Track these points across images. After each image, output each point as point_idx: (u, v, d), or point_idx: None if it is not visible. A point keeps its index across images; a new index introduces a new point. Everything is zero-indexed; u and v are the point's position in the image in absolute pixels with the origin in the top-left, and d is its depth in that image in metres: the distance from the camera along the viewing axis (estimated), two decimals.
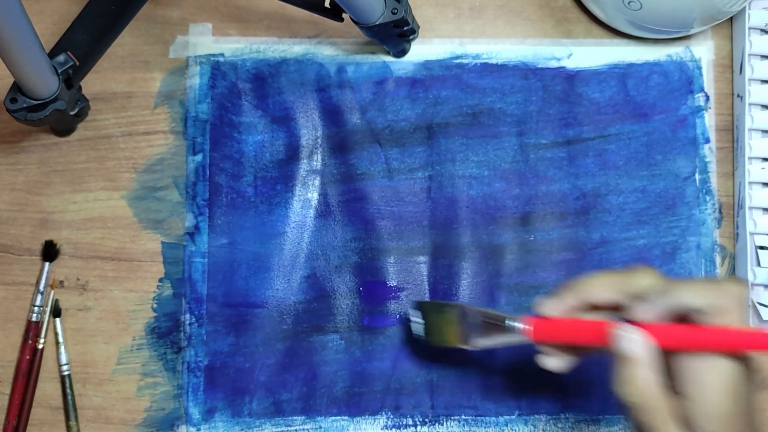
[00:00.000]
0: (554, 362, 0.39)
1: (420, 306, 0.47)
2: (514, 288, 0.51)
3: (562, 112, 0.52)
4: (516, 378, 0.50)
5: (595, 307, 0.37)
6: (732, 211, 0.52)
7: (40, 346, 0.49)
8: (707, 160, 0.52)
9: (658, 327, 0.34)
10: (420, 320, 0.46)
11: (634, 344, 0.34)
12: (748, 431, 0.34)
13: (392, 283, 0.51)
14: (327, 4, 0.47)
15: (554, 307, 0.38)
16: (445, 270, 0.51)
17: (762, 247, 0.50)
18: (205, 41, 0.52)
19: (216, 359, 0.50)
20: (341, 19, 0.47)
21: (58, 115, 0.46)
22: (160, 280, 0.51)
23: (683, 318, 0.34)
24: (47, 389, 0.50)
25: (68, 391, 0.49)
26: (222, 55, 0.52)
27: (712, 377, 0.33)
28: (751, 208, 0.51)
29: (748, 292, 0.32)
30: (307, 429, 0.50)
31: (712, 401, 0.33)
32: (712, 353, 0.33)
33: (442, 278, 0.51)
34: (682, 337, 0.34)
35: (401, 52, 0.52)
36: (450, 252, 0.51)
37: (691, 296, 0.34)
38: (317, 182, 0.51)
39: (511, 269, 0.51)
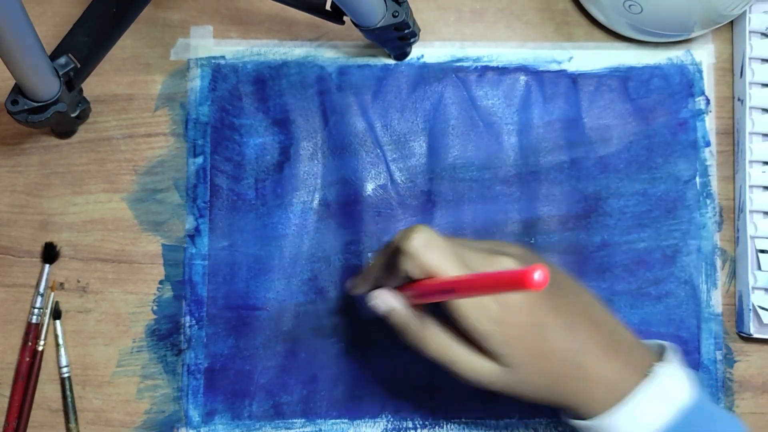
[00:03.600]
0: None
1: None
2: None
3: (563, 115, 0.52)
4: None
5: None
6: (732, 215, 0.52)
7: (40, 348, 0.49)
8: (708, 163, 0.52)
9: (410, 285, 0.39)
10: None
11: (383, 304, 0.40)
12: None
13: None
14: (328, 6, 0.47)
15: (363, 288, 0.43)
16: None
17: (762, 251, 0.50)
18: (206, 44, 0.52)
19: (216, 362, 0.50)
20: (342, 22, 0.47)
21: (59, 117, 0.46)
22: (161, 283, 0.51)
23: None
24: (47, 391, 0.50)
25: (68, 393, 0.49)
26: (223, 57, 0.52)
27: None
28: (751, 211, 0.51)
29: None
30: None
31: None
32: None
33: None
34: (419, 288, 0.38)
35: (402, 55, 0.52)
36: None
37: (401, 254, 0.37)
38: (318, 185, 0.51)
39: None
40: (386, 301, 0.40)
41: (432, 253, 0.37)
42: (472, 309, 0.37)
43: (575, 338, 0.39)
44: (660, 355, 0.41)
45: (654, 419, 0.37)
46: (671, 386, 0.38)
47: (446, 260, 0.37)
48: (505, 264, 0.38)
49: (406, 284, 0.39)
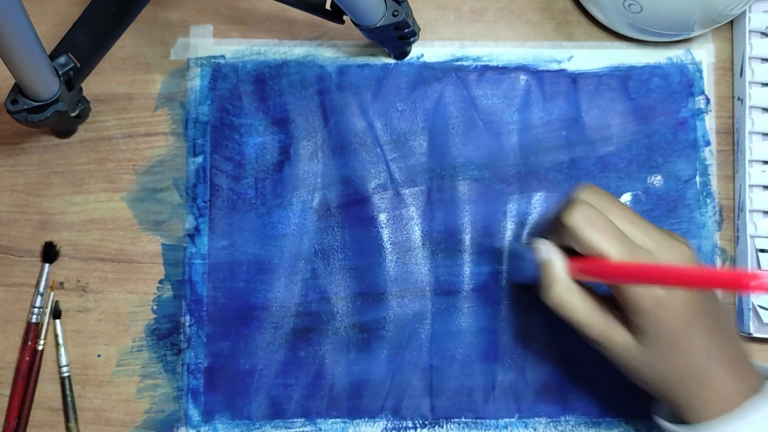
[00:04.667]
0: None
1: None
2: (515, 287, 0.51)
3: (563, 114, 0.52)
4: (516, 380, 0.50)
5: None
6: (732, 214, 0.52)
7: (40, 348, 0.49)
8: (708, 162, 0.52)
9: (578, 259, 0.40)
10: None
11: (546, 252, 0.41)
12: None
13: (393, 285, 0.51)
14: (328, 6, 0.47)
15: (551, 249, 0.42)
16: (446, 272, 0.51)
17: (762, 250, 0.50)
18: (206, 43, 0.52)
19: (216, 361, 0.50)
20: (342, 22, 0.47)
21: (59, 117, 0.46)
22: (160, 282, 0.51)
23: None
24: (47, 391, 0.50)
25: (68, 392, 0.49)
26: (223, 57, 0.52)
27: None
28: (751, 211, 0.50)
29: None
30: (307, 431, 0.50)
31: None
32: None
33: (443, 280, 0.51)
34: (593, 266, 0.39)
35: (402, 55, 0.52)
36: (451, 254, 0.51)
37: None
38: (318, 184, 0.51)
39: (512, 272, 0.51)
40: (550, 251, 0.41)
41: (593, 231, 0.38)
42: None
43: (713, 344, 0.40)
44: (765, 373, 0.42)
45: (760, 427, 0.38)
46: None
47: (609, 240, 0.37)
48: (685, 252, 0.39)
49: (574, 257, 0.40)
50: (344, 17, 0.47)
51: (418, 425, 0.50)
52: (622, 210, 0.40)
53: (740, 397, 0.39)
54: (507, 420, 0.50)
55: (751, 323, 0.49)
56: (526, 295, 0.51)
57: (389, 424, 0.50)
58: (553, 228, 0.41)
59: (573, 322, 0.41)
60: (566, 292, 0.40)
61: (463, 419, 0.50)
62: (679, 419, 0.42)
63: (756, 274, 0.29)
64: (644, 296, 0.38)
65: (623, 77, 0.52)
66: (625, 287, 0.38)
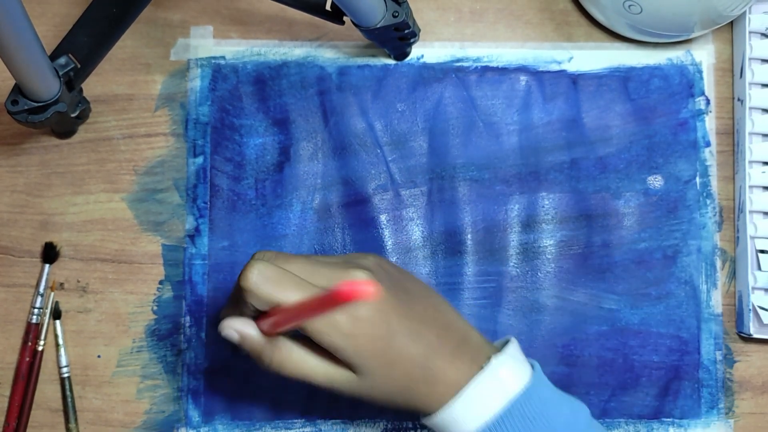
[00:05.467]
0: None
1: None
2: (515, 290, 0.51)
3: (563, 115, 0.52)
4: None
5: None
6: (732, 215, 0.52)
7: (40, 348, 0.49)
8: (708, 163, 0.52)
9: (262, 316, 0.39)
10: None
11: (233, 331, 0.39)
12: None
13: None
14: (328, 6, 0.47)
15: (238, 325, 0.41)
16: (447, 272, 0.51)
17: (762, 251, 0.50)
18: (206, 44, 0.52)
19: (216, 362, 0.50)
20: (342, 22, 0.47)
21: (59, 117, 0.46)
22: (161, 283, 0.51)
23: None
24: (47, 391, 0.50)
25: (68, 393, 0.49)
26: (223, 57, 0.52)
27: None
28: (751, 211, 0.51)
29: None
30: None
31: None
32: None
33: (443, 281, 0.51)
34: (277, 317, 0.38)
35: (402, 55, 0.52)
36: (451, 254, 0.51)
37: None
38: (318, 185, 0.51)
39: (512, 272, 0.51)
40: (237, 328, 0.39)
41: (269, 285, 0.37)
42: (323, 325, 0.37)
43: (422, 343, 0.40)
44: (501, 348, 0.42)
45: (486, 408, 0.39)
46: (504, 375, 0.40)
47: (285, 289, 0.37)
48: (357, 276, 0.39)
49: (260, 315, 0.39)
50: (344, 18, 0.47)
51: (418, 426, 0.50)
52: (296, 259, 0.39)
53: (467, 376, 0.39)
54: None
55: (751, 324, 0.49)
56: (527, 294, 0.51)
57: (389, 425, 0.50)
58: (236, 299, 0.39)
59: (297, 377, 0.40)
60: (274, 356, 0.39)
61: None
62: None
63: (348, 284, 0.27)
64: (331, 334, 0.37)
65: (623, 78, 0.53)
66: (317, 332, 0.37)
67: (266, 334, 0.39)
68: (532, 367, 0.41)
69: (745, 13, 0.51)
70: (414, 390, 0.40)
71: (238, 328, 0.39)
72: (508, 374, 0.40)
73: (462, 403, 0.39)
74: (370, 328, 0.38)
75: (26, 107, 0.44)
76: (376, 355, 0.39)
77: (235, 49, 0.52)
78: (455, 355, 0.40)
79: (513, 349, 0.41)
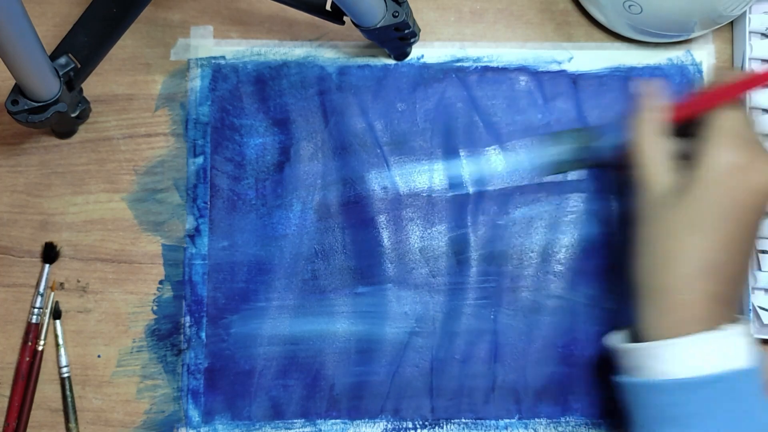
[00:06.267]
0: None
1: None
2: (515, 290, 0.51)
3: (563, 115, 0.52)
4: (516, 381, 0.50)
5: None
6: None
7: (40, 348, 0.49)
8: None
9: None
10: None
11: (646, 87, 0.43)
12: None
13: (393, 285, 0.51)
14: (328, 6, 0.47)
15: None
16: (447, 272, 0.51)
17: (763, 251, 0.50)
18: (206, 44, 0.52)
19: (216, 362, 0.50)
20: (342, 22, 0.47)
21: (59, 117, 0.46)
22: (161, 283, 0.51)
23: None
24: (47, 391, 0.50)
25: (68, 393, 0.49)
26: (223, 57, 0.52)
27: (722, 121, 0.40)
28: None
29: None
30: None
31: (718, 141, 0.40)
32: (722, 108, 0.40)
33: (443, 281, 0.51)
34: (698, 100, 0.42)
35: (402, 56, 0.52)
36: (451, 254, 0.51)
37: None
38: (318, 185, 0.51)
39: (513, 272, 0.51)
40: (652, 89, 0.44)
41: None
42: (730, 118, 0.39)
43: (733, 256, 0.38)
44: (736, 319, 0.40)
45: (708, 363, 0.37)
46: (743, 345, 0.38)
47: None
48: None
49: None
50: (344, 18, 0.47)
51: (418, 426, 0.50)
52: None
53: (707, 325, 0.38)
54: (507, 421, 0.50)
55: (752, 324, 0.49)
56: (527, 295, 0.51)
57: (389, 425, 0.50)
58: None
59: (637, 142, 0.42)
60: (653, 122, 0.42)
61: (464, 420, 0.50)
62: (632, 335, 0.41)
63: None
64: (723, 127, 0.39)
65: (623, 78, 0.52)
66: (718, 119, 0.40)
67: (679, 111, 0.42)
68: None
69: (745, 13, 0.51)
70: (668, 276, 0.38)
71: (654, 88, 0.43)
72: (741, 349, 0.38)
73: (692, 347, 0.37)
74: (736, 171, 0.38)
75: (26, 107, 0.44)
76: (721, 190, 0.38)
77: (235, 49, 0.52)
78: (720, 303, 0.38)
79: (749, 327, 0.40)
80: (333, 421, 0.50)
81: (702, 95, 0.43)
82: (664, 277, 0.38)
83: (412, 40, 0.51)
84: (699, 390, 0.37)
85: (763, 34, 0.52)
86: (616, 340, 0.42)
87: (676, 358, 0.37)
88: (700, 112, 0.42)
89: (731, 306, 0.40)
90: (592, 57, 0.53)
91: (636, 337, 0.41)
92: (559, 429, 0.50)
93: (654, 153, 0.42)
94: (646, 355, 0.38)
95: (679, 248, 0.38)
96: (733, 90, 0.41)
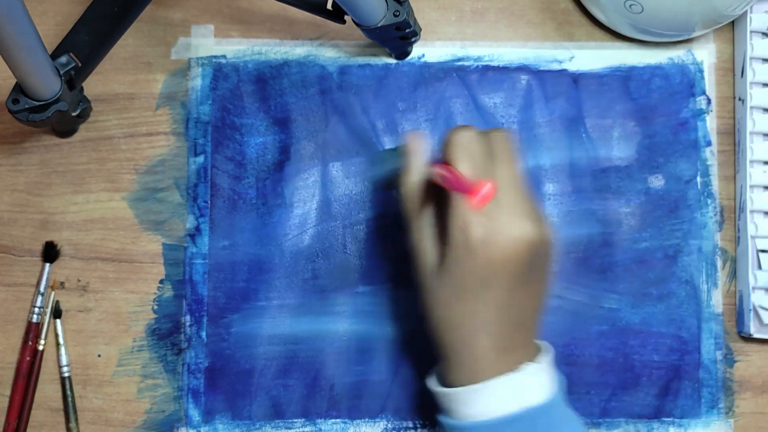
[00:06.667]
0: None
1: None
2: None
3: (564, 114, 0.52)
4: None
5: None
6: (733, 215, 0.52)
7: (41, 348, 0.49)
8: (709, 163, 0.52)
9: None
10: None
11: (415, 143, 0.43)
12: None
13: (394, 284, 0.50)
14: (329, 6, 0.47)
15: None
16: None
17: (763, 251, 0.50)
18: (207, 43, 0.52)
19: (216, 361, 0.50)
20: (343, 21, 0.47)
21: (60, 116, 0.46)
22: (161, 282, 0.51)
23: None
24: (47, 391, 0.50)
25: (68, 392, 0.49)
26: (224, 56, 0.52)
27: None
28: (752, 211, 0.51)
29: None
30: (307, 431, 0.50)
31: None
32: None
33: None
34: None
35: (403, 55, 0.52)
36: None
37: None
38: (318, 184, 0.51)
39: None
40: (419, 142, 0.43)
41: (461, 150, 0.40)
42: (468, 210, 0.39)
43: (507, 310, 0.40)
44: (536, 353, 0.42)
45: (502, 406, 0.39)
46: (531, 385, 0.40)
47: (464, 159, 0.40)
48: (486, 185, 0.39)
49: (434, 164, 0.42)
50: (345, 17, 0.47)
51: (418, 426, 0.50)
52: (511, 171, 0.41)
53: (499, 371, 0.39)
54: None
55: (751, 324, 0.49)
56: None
57: (390, 425, 0.50)
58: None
59: (406, 216, 0.42)
60: (417, 188, 0.42)
61: None
62: (443, 380, 0.42)
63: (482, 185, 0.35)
64: (463, 213, 0.38)
65: (624, 77, 0.53)
66: (460, 203, 0.39)
67: (431, 178, 0.41)
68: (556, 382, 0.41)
69: (746, 12, 0.51)
70: (458, 332, 0.40)
71: (419, 145, 0.43)
72: (535, 386, 0.40)
73: (486, 392, 0.39)
74: (498, 250, 0.38)
75: (27, 106, 0.44)
76: (474, 265, 0.38)
77: (236, 48, 0.52)
78: (508, 350, 0.40)
79: (548, 360, 0.41)
80: (333, 420, 0.50)
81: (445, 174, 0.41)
82: (449, 337, 0.40)
83: (413, 40, 0.51)
84: (500, 429, 0.39)
85: (764, 34, 0.52)
86: (432, 380, 0.43)
87: (477, 401, 0.39)
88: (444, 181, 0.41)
89: (525, 345, 0.41)
90: (593, 56, 0.53)
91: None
92: None
93: (420, 224, 0.42)
94: (451, 400, 0.40)
95: (452, 316, 0.40)
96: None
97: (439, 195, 0.41)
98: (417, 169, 0.42)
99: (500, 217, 0.38)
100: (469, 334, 0.40)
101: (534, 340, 0.42)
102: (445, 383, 0.41)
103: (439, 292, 0.40)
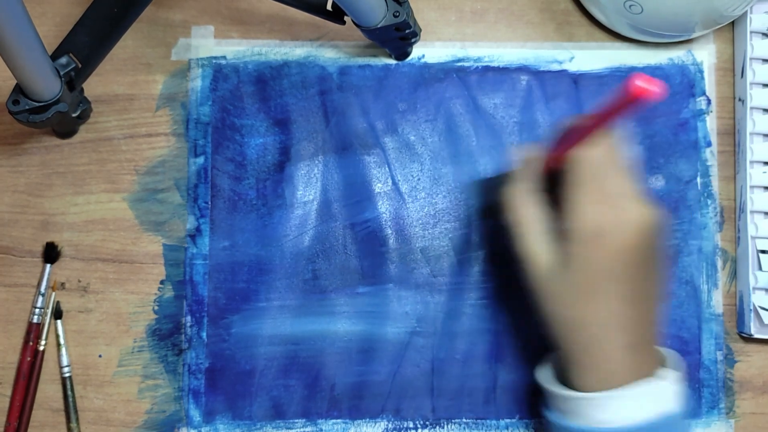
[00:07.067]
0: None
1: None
2: (517, 289, 0.51)
3: (564, 115, 0.52)
4: (517, 381, 0.50)
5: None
6: (733, 215, 0.52)
7: (41, 348, 0.49)
8: (709, 163, 0.52)
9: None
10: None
11: (524, 152, 0.43)
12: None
13: (394, 285, 0.51)
14: (329, 6, 0.47)
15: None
16: (448, 271, 0.51)
17: (763, 251, 0.50)
18: (207, 44, 0.52)
19: (217, 362, 0.50)
20: (343, 22, 0.47)
21: (60, 117, 0.46)
22: (161, 282, 0.51)
23: None
24: (48, 391, 0.50)
25: (69, 393, 0.49)
26: (224, 57, 0.52)
27: (582, 159, 0.39)
28: (752, 212, 0.51)
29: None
30: None
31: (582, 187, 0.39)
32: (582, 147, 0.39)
33: (444, 280, 0.51)
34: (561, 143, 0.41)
35: (403, 55, 0.52)
36: (452, 253, 0.51)
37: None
38: (318, 185, 0.51)
39: (514, 272, 0.51)
40: (529, 151, 0.43)
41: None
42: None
43: (636, 303, 0.39)
44: (663, 360, 0.41)
45: (640, 412, 0.38)
46: (670, 392, 0.39)
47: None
48: (644, 212, 0.39)
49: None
50: (345, 18, 0.47)
51: (419, 425, 0.50)
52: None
53: (634, 377, 0.38)
54: (508, 420, 0.50)
55: (751, 324, 0.49)
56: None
57: (390, 425, 0.50)
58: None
59: (513, 223, 0.42)
60: (524, 195, 0.42)
61: (464, 420, 0.50)
62: (562, 379, 0.41)
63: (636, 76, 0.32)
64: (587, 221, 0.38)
65: (624, 78, 0.52)
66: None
67: (549, 162, 0.41)
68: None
69: (746, 13, 0.51)
70: (585, 332, 0.39)
71: (530, 154, 0.42)
72: (672, 393, 0.39)
73: (626, 398, 0.38)
74: (618, 244, 0.37)
75: (27, 107, 0.44)
76: (598, 271, 0.38)
77: (236, 48, 0.52)
78: (640, 346, 0.39)
79: (676, 364, 0.41)
80: (334, 420, 0.50)
81: (562, 140, 0.41)
82: (578, 338, 0.39)
83: (413, 40, 0.51)
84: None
85: (764, 34, 0.52)
86: (545, 377, 0.42)
87: (616, 407, 0.38)
88: (561, 160, 0.40)
89: (650, 347, 0.41)
90: (593, 57, 0.53)
91: (562, 374, 0.42)
92: None
93: (531, 228, 0.41)
94: (585, 405, 0.39)
95: (579, 315, 0.39)
96: (583, 132, 0.39)
97: (550, 196, 0.41)
98: (523, 177, 0.42)
99: (617, 204, 0.38)
100: (600, 332, 0.38)
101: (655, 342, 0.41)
102: (571, 386, 0.40)
103: (561, 292, 0.39)
